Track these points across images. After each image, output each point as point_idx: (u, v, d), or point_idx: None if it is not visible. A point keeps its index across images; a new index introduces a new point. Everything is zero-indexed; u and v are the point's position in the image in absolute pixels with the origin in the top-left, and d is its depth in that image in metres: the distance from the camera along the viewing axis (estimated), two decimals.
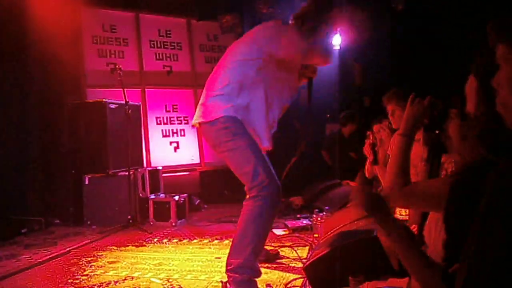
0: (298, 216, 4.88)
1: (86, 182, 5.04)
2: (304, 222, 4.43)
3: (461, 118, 1.78)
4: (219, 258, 3.58)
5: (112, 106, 5.09)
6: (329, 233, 3.09)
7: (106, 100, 5.06)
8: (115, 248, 4.04)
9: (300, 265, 3.26)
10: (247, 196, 2.73)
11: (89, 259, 3.70)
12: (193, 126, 3.11)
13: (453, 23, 5.39)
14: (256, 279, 2.68)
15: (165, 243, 4.18)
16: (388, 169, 1.77)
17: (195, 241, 4.22)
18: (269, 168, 2.74)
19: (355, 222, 3.06)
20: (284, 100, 3.09)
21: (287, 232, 4.28)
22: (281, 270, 3.22)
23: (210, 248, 3.95)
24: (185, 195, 5.21)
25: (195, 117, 2.98)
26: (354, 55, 7.19)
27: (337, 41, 6.98)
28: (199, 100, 3.02)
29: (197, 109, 2.98)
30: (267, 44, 2.89)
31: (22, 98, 5.38)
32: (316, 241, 3.62)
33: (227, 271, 2.67)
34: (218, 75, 2.93)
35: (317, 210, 4.03)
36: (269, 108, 2.94)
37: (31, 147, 5.40)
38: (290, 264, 3.36)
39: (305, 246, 3.78)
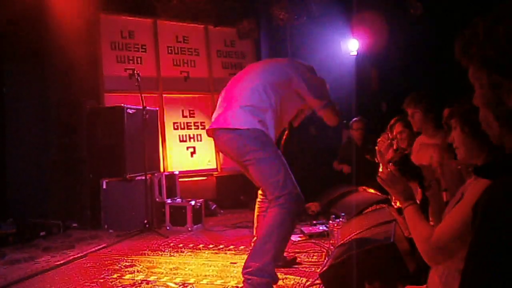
0: (314, 222, 4.85)
1: (104, 187, 5.09)
2: (321, 228, 4.40)
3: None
4: (234, 263, 3.57)
5: (130, 111, 5.14)
6: (346, 239, 3.07)
7: (124, 105, 5.11)
8: (132, 252, 4.07)
9: (316, 271, 3.23)
10: (271, 203, 2.78)
11: (106, 262, 3.73)
12: (207, 130, 3.12)
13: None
14: (273, 284, 2.69)
15: (181, 248, 4.19)
16: (415, 239, 1.77)
17: (211, 246, 4.23)
18: (292, 178, 2.81)
19: (372, 229, 3.04)
20: (281, 128, 3.34)
21: (303, 238, 4.26)
22: (297, 276, 3.20)
23: (225, 253, 3.95)
24: (201, 200, 5.22)
25: (217, 122, 2.98)
26: (371, 60, 7.16)
27: (354, 46, 6.96)
28: (219, 107, 3.06)
29: (220, 115, 2.98)
30: (300, 83, 3.06)
31: (42, 103, 5.49)
32: (332, 247, 3.59)
33: (244, 273, 2.66)
34: (248, 88, 2.99)
35: (333, 216, 3.99)
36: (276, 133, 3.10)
37: (50, 151, 5.50)
38: (307, 270, 3.34)
39: (321, 252, 3.75)
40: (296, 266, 3.45)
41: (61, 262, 3.73)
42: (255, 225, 3.41)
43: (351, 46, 6.97)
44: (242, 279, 2.69)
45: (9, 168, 5.13)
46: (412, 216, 1.83)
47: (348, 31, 6.89)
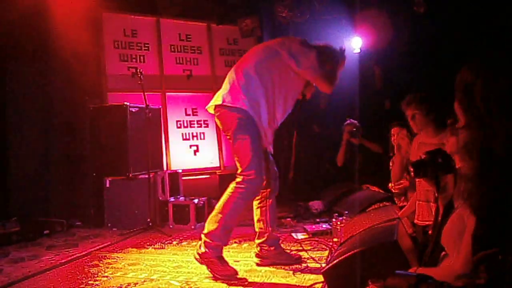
0: (318, 220, 4.85)
1: (107, 185, 5.09)
2: (324, 226, 4.39)
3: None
4: (237, 261, 3.57)
5: (133, 109, 5.15)
6: (349, 237, 3.07)
7: (127, 103, 5.11)
8: (135, 250, 4.07)
9: (320, 269, 3.23)
10: (235, 179, 3.21)
11: (109, 261, 3.74)
12: (208, 108, 3.46)
13: (475, 26, 5.31)
14: (223, 246, 3.22)
15: (185, 246, 4.19)
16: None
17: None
18: (261, 165, 3.20)
19: (375, 227, 3.03)
20: (287, 106, 3.44)
21: (306, 236, 4.25)
22: (301, 274, 3.20)
23: (228, 251, 3.93)
24: (204, 198, 5.22)
25: (212, 100, 3.39)
26: (374, 58, 7.13)
27: (357, 44, 6.93)
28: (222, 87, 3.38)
29: (221, 93, 3.34)
30: (290, 58, 3.29)
31: (45, 101, 5.49)
32: (335, 245, 3.59)
33: (202, 233, 3.21)
34: (240, 70, 3.33)
35: (336, 214, 3.99)
36: (275, 110, 3.34)
37: (54, 149, 5.51)
38: (310, 268, 3.34)
39: (324, 251, 3.75)
40: (300, 264, 3.45)
41: (65, 260, 3.74)
42: (255, 218, 3.55)
43: (354, 44, 6.94)
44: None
45: (13, 167, 5.14)
46: None
47: (351, 29, 6.86)
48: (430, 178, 2.35)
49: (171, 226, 5.04)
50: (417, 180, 3.40)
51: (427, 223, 3.22)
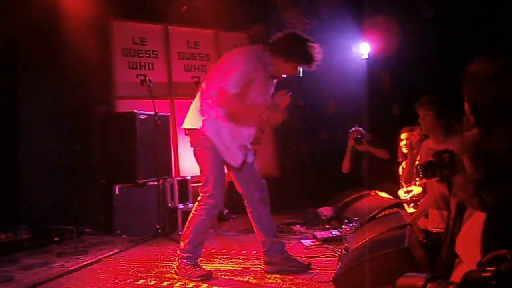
0: (327, 226, 4.83)
1: (116, 192, 5.11)
2: (333, 232, 4.37)
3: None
4: (247, 268, 3.57)
5: (142, 117, 5.17)
6: (359, 244, 3.05)
7: (136, 111, 5.14)
8: (145, 257, 4.08)
9: (330, 276, 3.21)
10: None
11: (119, 268, 3.75)
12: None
13: (483, 30, 5.28)
14: (195, 258, 3.43)
15: None
16: None
17: (223, 251, 4.22)
18: (219, 183, 3.39)
19: (385, 233, 3.02)
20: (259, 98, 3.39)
21: (316, 243, 4.24)
22: (311, 281, 3.19)
23: (238, 258, 3.94)
24: None
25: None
26: (382, 64, 7.12)
27: (365, 49, 6.93)
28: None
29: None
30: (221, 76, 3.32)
31: (54, 108, 5.55)
32: (345, 252, 3.57)
33: (178, 250, 3.49)
34: (198, 92, 3.48)
35: (346, 220, 3.97)
36: (239, 127, 3.40)
37: (64, 157, 5.55)
38: (320, 274, 3.32)
39: (334, 257, 3.73)
40: (309, 271, 3.43)
41: (75, 267, 3.75)
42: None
43: (362, 49, 6.94)
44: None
45: (23, 174, 5.18)
46: None
47: (359, 34, 6.87)
48: (441, 180, 2.34)
49: (180, 233, 5.02)
50: (428, 185, 3.39)
51: (440, 230, 3.20)
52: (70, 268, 3.72)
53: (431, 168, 2.34)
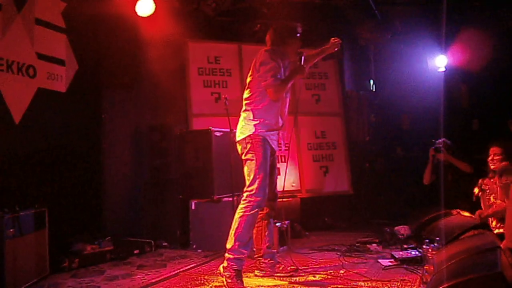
0: (406, 246, 4.65)
1: (193, 207, 5.23)
2: (413, 253, 4.20)
3: None
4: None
5: (217, 134, 5.29)
6: (444, 266, 2.91)
7: (212, 128, 5.27)
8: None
9: None
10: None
11: (196, 282, 3.82)
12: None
13: None
14: (244, 258, 3.68)
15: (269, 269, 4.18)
16: None
17: (299, 268, 4.19)
18: (265, 184, 3.70)
19: (473, 256, 2.86)
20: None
21: (394, 264, 4.09)
22: None
23: (314, 277, 3.89)
24: (287, 221, 5.20)
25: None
26: (460, 76, 6.85)
27: (442, 62, 6.71)
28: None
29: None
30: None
31: (135, 128, 5.82)
32: (427, 273, 3.42)
33: (225, 251, 3.66)
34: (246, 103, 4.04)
35: (427, 240, 3.81)
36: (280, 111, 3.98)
37: (143, 173, 5.80)
38: None
39: (414, 281, 3.58)
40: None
41: (156, 280, 3.88)
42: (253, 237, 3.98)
43: (438, 62, 6.72)
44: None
45: (106, 189, 5.48)
46: None
47: (434, 47, 6.66)
48: None
49: (254, 250, 5.05)
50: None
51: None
52: (151, 281, 3.85)
53: None
